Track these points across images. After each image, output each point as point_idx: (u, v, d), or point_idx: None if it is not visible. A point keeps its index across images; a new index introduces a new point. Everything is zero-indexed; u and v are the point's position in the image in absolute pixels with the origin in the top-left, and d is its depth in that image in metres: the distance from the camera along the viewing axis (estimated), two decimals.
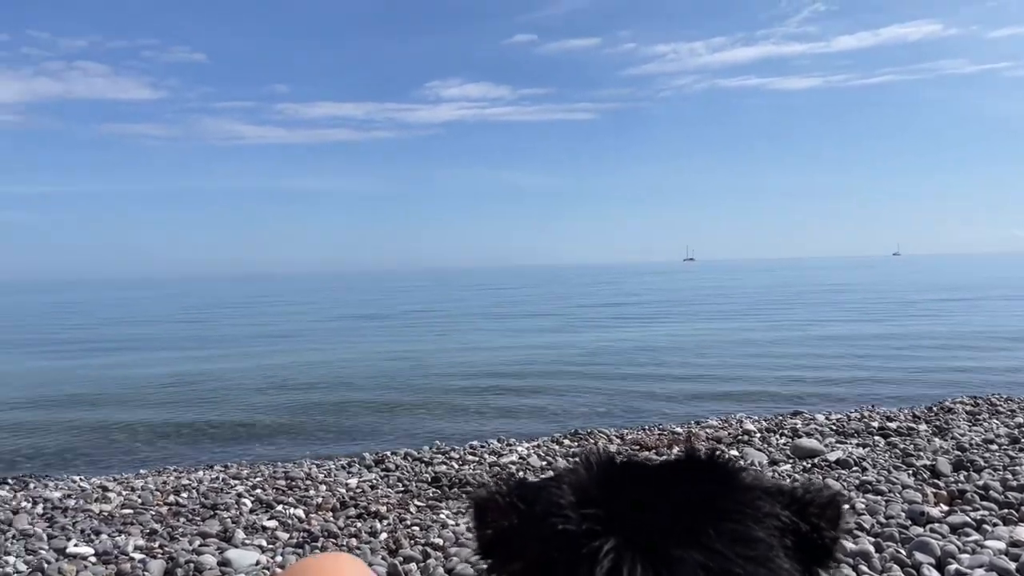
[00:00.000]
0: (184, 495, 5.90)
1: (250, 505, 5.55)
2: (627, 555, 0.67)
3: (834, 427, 7.76)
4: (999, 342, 17.20)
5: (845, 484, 5.28)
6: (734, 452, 6.70)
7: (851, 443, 6.95)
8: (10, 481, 6.94)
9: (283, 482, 6.26)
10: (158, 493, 6.00)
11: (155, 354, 19.97)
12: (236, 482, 6.37)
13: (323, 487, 6.04)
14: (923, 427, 7.51)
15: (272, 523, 5.03)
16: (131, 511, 5.43)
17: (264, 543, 4.63)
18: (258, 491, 5.95)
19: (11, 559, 4.30)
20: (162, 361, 18.16)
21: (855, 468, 5.86)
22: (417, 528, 4.82)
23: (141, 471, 7.50)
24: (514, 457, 6.86)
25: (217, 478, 6.62)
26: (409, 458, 7.07)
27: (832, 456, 6.23)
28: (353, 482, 6.14)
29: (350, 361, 16.91)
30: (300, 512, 5.29)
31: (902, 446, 6.59)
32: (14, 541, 4.70)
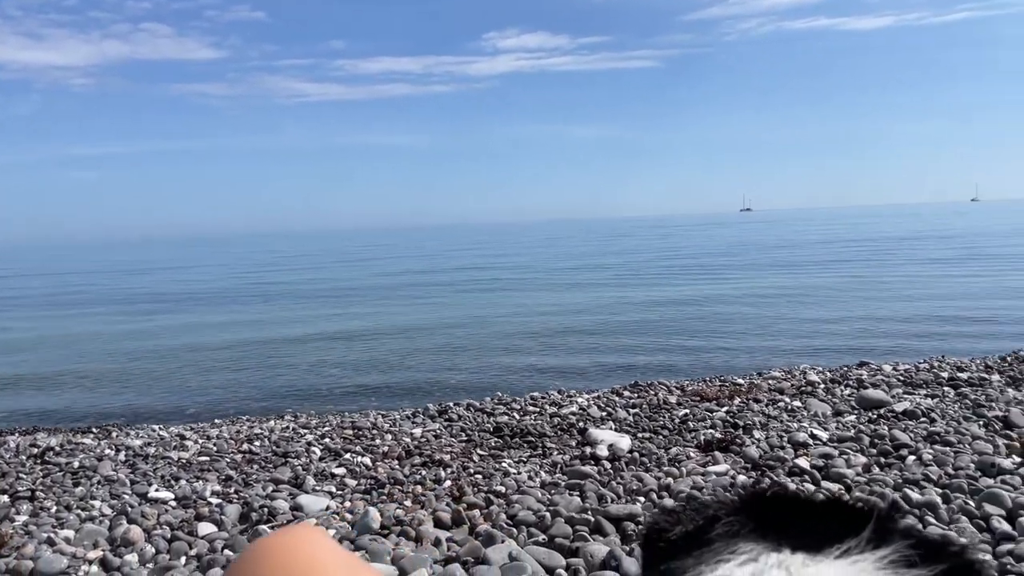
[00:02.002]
0: (257, 443, 6.14)
1: (319, 453, 5.75)
2: None
3: (901, 378, 7.58)
4: None
5: (912, 435, 5.18)
6: (797, 403, 6.63)
7: (919, 394, 6.79)
8: (94, 430, 7.32)
9: (350, 431, 6.45)
10: (232, 441, 6.26)
11: (225, 310, 20.61)
12: (305, 431, 6.59)
13: (388, 436, 6.20)
14: (996, 377, 7.28)
15: (341, 470, 5.21)
16: (207, 458, 5.68)
17: (333, 489, 4.81)
18: (327, 440, 6.16)
19: (96, 503, 4.56)
20: (236, 319, 18.75)
21: (923, 419, 5.74)
22: (480, 476, 4.93)
23: (216, 420, 7.83)
24: (574, 408, 6.92)
25: (287, 427, 6.86)
26: (472, 409, 7.20)
27: (899, 407, 6.10)
28: (418, 431, 6.30)
29: (417, 318, 17.18)
30: (367, 460, 5.45)
31: (973, 397, 6.41)
32: (99, 486, 4.98)
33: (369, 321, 16.27)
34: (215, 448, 6.05)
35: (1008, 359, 8.49)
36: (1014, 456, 4.65)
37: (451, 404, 7.41)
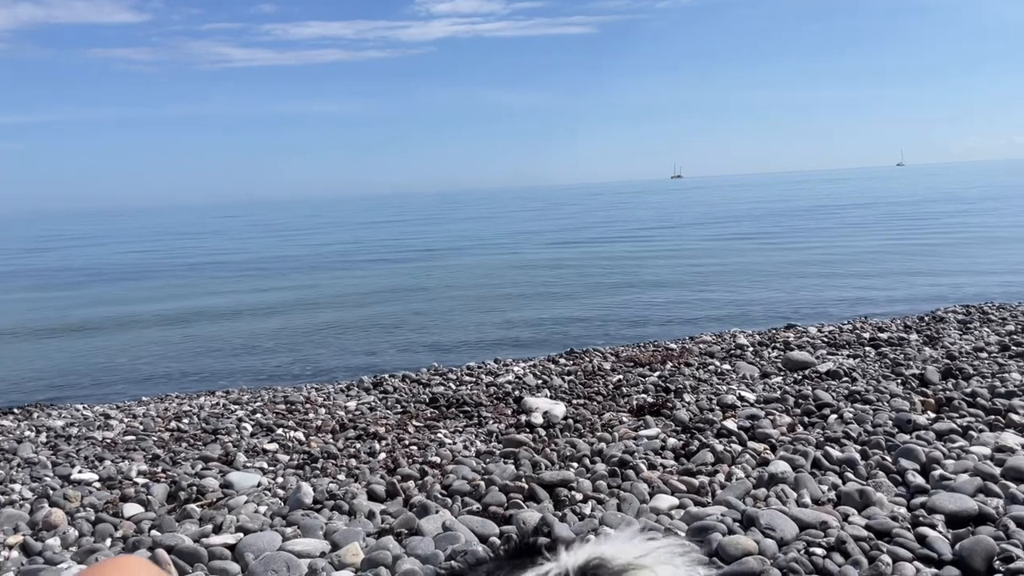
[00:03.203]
0: (185, 421, 6.00)
1: (251, 429, 5.65)
2: None
3: (826, 339, 7.84)
4: (991, 247, 17.23)
5: (834, 395, 5.36)
6: (726, 366, 6.79)
7: (842, 354, 7.03)
8: (15, 411, 7.04)
9: (283, 406, 6.35)
10: (160, 420, 6.10)
11: (150, 283, 20.02)
12: (236, 407, 6.47)
13: (322, 410, 6.13)
14: (914, 337, 7.59)
15: (273, 446, 5.13)
16: (133, 437, 5.53)
17: (265, 465, 4.74)
18: (258, 416, 6.05)
19: (16, 486, 4.39)
20: (160, 289, 18.23)
21: (845, 379, 5.94)
22: (415, 448, 4.92)
23: (143, 398, 7.62)
24: (510, 377, 6.95)
25: (218, 404, 6.72)
26: (407, 380, 7.16)
27: (823, 367, 6.31)
28: (352, 404, 6.24)
29: (349, 290, 16.97)
30: (300, 435, 5.39)
31: (892, 356, 6.67)
32: (19, 469, 4.79)
33: (301, 294, 16.01)
34: (141, 427, 5.89)
35: (926, 319, 8.85)
36: (929, 412, 4.86)
37: (386, 376, 7.36)
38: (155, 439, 5.47)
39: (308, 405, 6.35)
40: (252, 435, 5.51)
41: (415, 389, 6.73)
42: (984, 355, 6.43)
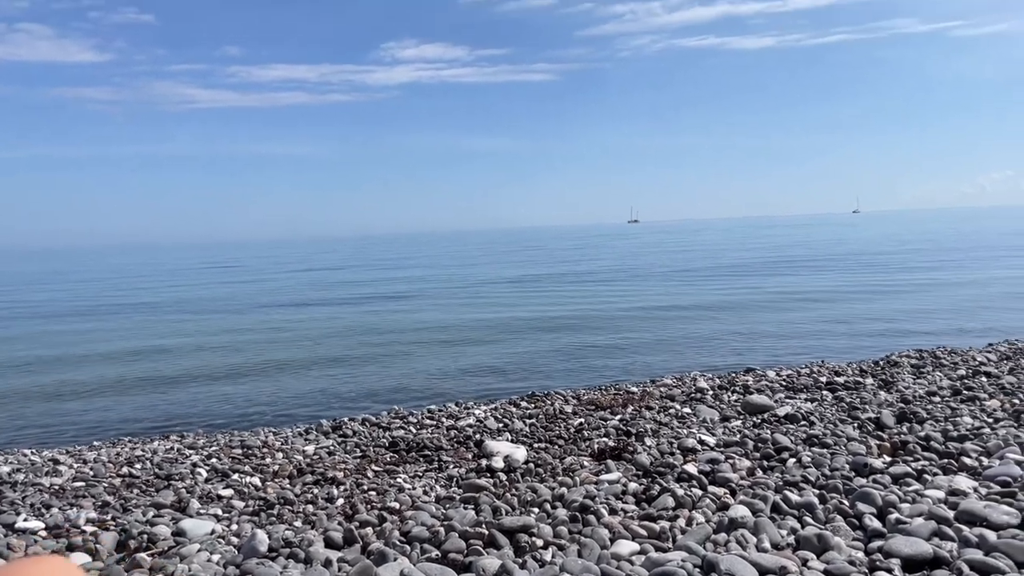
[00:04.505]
0: (138, 466, 5.84)
1: (205, 474, 5.52)
2: None
3: (784, 383, 7.93)
4: (946, 296, 17.68)
5: (793, 438, 5.41)
6: (687, 409, 6.83)
7: (800, 398, 7.12)
8: None
9: (239, 451, 6.23)
10: (111, 465, 5.93)
11: (105, 323, 19.61)
12: (191, 452, 6.32)
13: (280, 454, 6.02)
14: (869, 381, 7.71)
15: (228, 492, 5.01)
16: (83, 484, 5.36)
17: (220, 512, 4.62)
18: (214, 460, 5.92)
19: None
20: (114, 330, 17.84)
21: (803, 422, 6.01)
22: (374, 493, 4.84)
23: (94, 443, 7.41)
24: (471, 420, 6.90)
25: (172, 448, 6.56)
26: (367, 424, 7.08)
27: (781, 411, 6.38)
28: (310, 449, 6.14)
29: (311, 332, 16.79)
30: (256, 480, 5.27)
31: (849, 400, 6.77)
32: None
33: (262, 335, 15.79)
34: (92, 472, 5.72)
35: (881, 363, 9.01)
36: (884, 456, 4.93)
37: (346, 419, 7.27)
38: (105, 485, 5.32)
39: (265, 449, 6.23)
40: (207, 480, 5.39)
41: (375, 433, 6.65)
42: (937, 399, 6.56)
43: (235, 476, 5.40)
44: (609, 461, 5.24)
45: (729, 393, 7.58)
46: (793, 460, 4.90)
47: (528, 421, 6.80)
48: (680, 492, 4.31)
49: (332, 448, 6.16)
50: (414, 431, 6.62)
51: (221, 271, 49.03)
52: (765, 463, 4.93)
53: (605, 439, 5.91)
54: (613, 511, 4.16)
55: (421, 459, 5.70)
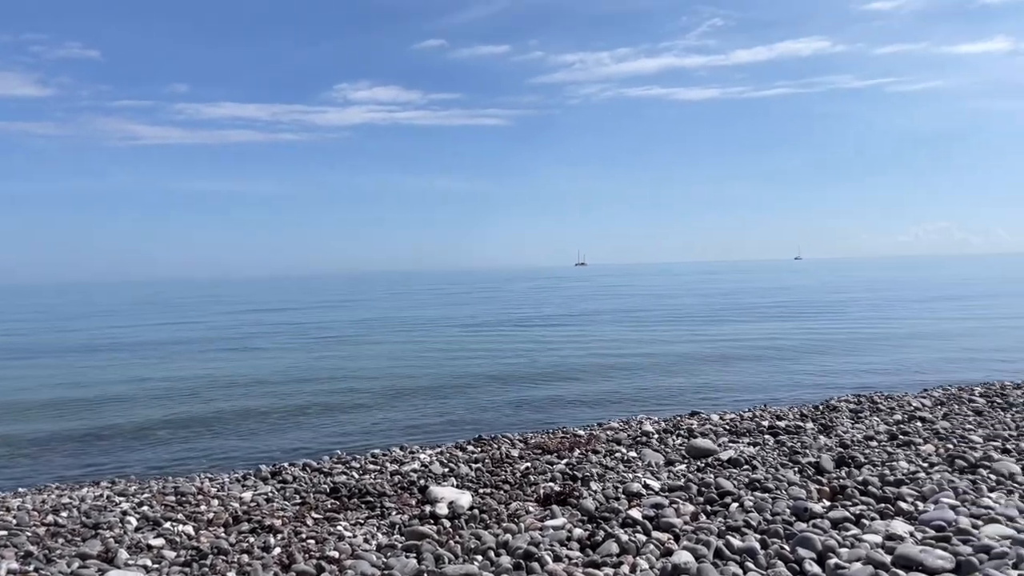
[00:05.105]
0: (64, 514, 5.58)
1: (135, 523, 5.30)
2: None
3: (728, 427, 8.01)
4: (883, 342, 18.17)
5: (736, 483, 5.45)
6: (632, 453, 6.83)
7: (743, 442, 7.19)
8: None
9: (173, 498, 6.00)
10: (35, 513, 5.66)
11: (33, 366, 18.90)
12: (122, 499, 6.07)
13: (215, 501, 5.82)
14: (810, 425, 7.84)
15: (159, 541, 4.81)
16: (5, 533, 5.09)
17: (149, 563, 4.43)
18: (145, 508, 5.69)
19: None
20: (44, 372, 17.20)
21: (746, 467, 6.06)
22: (313, 541, 4.70)
23: (20, 489, 7.07)
24: (416, 465, 6.79)
25: (101, 495, 6.30)
26: (308, 469, 6.90)
27: (724, 455, 6.43)
28: (247, 495, 5.95)
29: (252, 373, 16.43)
30: (189, 529, 5.08)
31: (790, 444, 6.86)
32: None
33: (199, 378, 15.38)
34: (15, 521, 5.44)
35: (820, 407, 9.18)
36: (824, 500, 4.99)
37: (286, 464, 7.08)
38: (29, 534, 5.06)
39: (200, 496, 6.02)
40: (137, 529, 5.17)
41: (316, 479, 6.49)
42: (874, 443, 6.70)
43: (167, 524, 5.19)
44: (555, 506, 5.19)
45: (674, 437, 7.62)
46: (736, 505, 4.92)
47: (474, 466, 6.72)
48: (624, 538, 4.29)
49: (270, 495, 5.98)
50: (357, 477, 6.48)
51: (161, 310, 47.78)
52: (708, 508, 4.95)
53: (551, 484, 5.87)
54: (558, 558, 4.11)
55: (363, 506, 5.57)
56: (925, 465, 5.74)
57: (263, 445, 9.09)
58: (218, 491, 6.21)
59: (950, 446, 6.37)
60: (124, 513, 5.54)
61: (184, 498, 5.96)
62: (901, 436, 6.90)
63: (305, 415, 10.86)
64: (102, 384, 14.68)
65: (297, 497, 5.87)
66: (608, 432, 8.11)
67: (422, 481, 6.13)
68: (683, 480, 5.69)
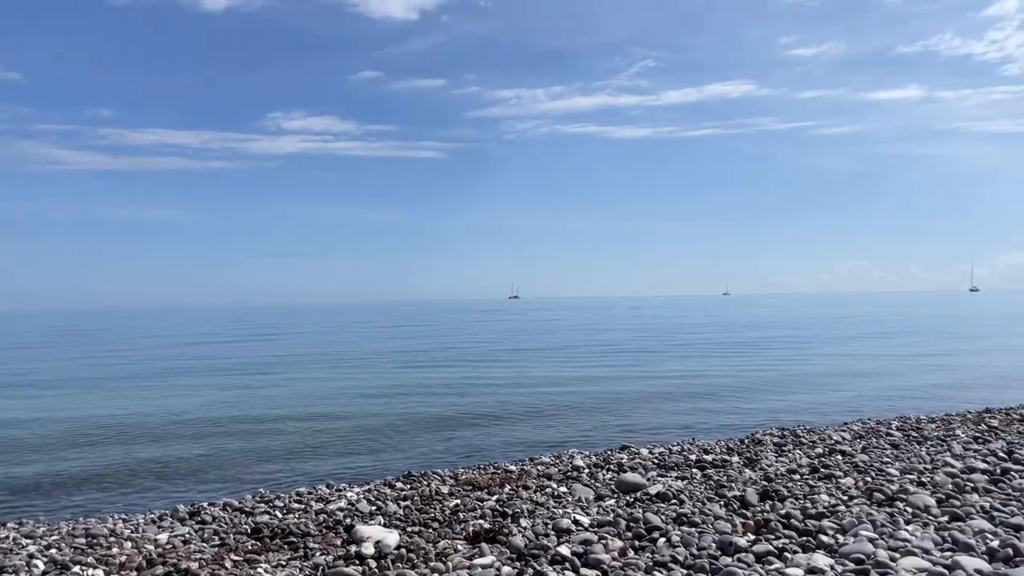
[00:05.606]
0: None
1: (43, 567, 5.02)
2: None
3: (656, 460, 8.09)
4: (806, 378, 18.71)
5: (663, 517, 5.49)
6: (563, 488, 6.82)
7: (671, 476, 7.27)
8: None
9: (83, 540, 5.72)
10: None
11: None
12: (28, 541, 5.76)
13: (128, 544, 5.57)
14: (736, 459, 7.98)
15: None
16: None
17: None
18: (53, 551, 5.40)
19: None
20: None
21: (673, 501, 6.12)
22: None
23: None
24: (343, 503, 6.64)
25: (7, 537, 5.96)
26: (228, 508, 6.67)
27: (653, 490, 6.48)
28: (163, 537, 5.71)
29: (170, 405, 15.88)
30: (100, 573, 4.84)
31: (716, 477, 6.96)
32: None
33: (118, 412, 14.79)
34: None
35: (746, 441, 9.36)
36: (749, 534, 5.06)
37: (205, 504, 6.83)
38: None
39: (113, 538, 5.75)
40: (44, 574, 4.91)
41: (236, 518, 6.27)
42: (797, 477, 6.85)
43: (76, 568, 4.94)
44: (484, 544, 5.13)
45: (604, 471, 7.65)
46: (663, 540, 4.96)
47: (403, 503, 6.61)
48: (553, 575, 4.26)
49: (188, 536, 5.75)
50: (280, 516, 6.30)
51: (80, 339, 45.95)
52: (637, 543, 4.97)
53: (481, 521, 5.81)
54: None
55: (286, 546, 5.40)
56: (845, 498, 5.89)
57: (181, 483, 8.76)
58: (132, 532, 5.94)
59: (868, 479, 6.56)
60: (31, 556, 5.25)
61: (95, 540, 5.69)
62: (822, 469, 7.08)
63: (229, 453, 10.52)
64: (15, 418, 13.98)
65: (216, 538, 5.66)
66: (539, 467, 8.09)
67: (348, 520, 5.99)
68: (612, 515, 5.71)
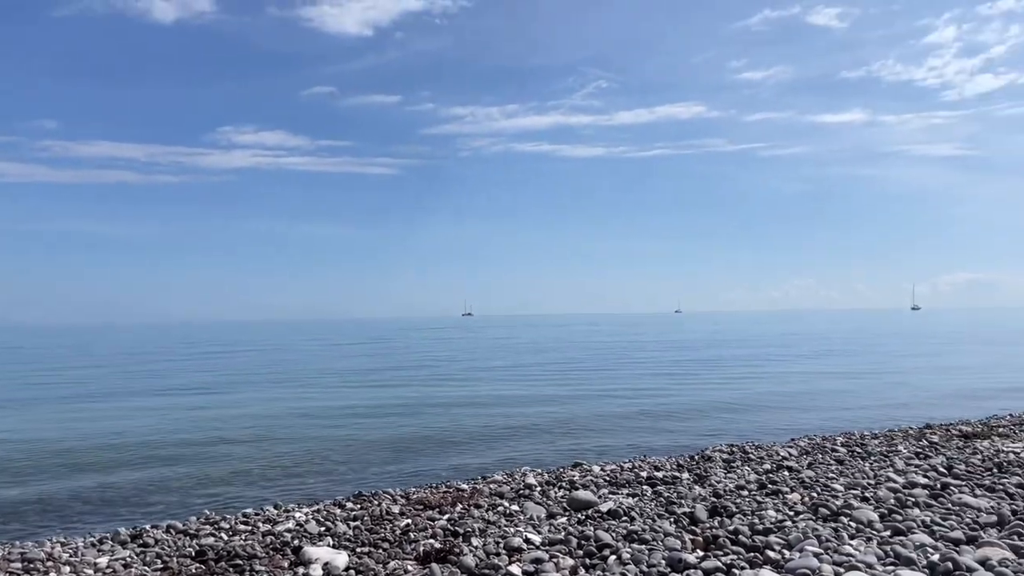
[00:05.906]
0: None
1: None
2: None
3: (608, 478, 8.13)
4: (755, 388, 19.03)
5: (614, 535, 5.51)
6: (515, 507, 6.81)
7: (622, 493, 7.31)
8: None
9: (19, 565, 5.51)
10: None
11: None
12: None
13: (67, 568, 5.38)
14: (686, 475, 8.06)
15: None
16: None
17: None
18: None
19: None
20: None
21: (624, 518, 6.15)
22: None
23: None
24: (291, 524, 6.52)
25: None
26: (172, 531, 6.50)
27: (604, 507, 6.50)
28: (103, 561, 5.54)
29: (110, 423, 15.45)
30: None
31: (666, 494, 7.02)
32: None
33: (53, 431, 14.33)
34: None
35: (696, 457, 9.46)
36: (698, 550, 5.11)
37: (147, 527, 6.66)
38: None
39: (50, 563, 5.56)
40: None
41: (180, 541, 6.11)
42: (745, 493, 6.95)
43: None
44: (434, 565, 5.09)
45: (556, 489, 7.65)
46: (614, 557, 4.97)
47: (352, 524, 6.52)
48: None
49: (129, 559, 5.59)
50: (225, 538, 6.15)
51: (19, 357, 44.45)
52: (588, 561, 4.98)
53: (432, 540, 5.76)
54: None
55: (231, 569, 5.28)
56: (791, 513, 5.99)
57: (124, 509, 8.50)
58: (70, 557, 5.75)
59: (814, 495, 6.68)
60: None
61: (32, 565, 5.49)
62: (770, 485, 7.19)
63: (174, 476, 10.26)
64: None
65: (159, 561, 5.51)
66: (492, 485, 8.06)
67: (296, 541, 5.89)
68: (563, 533, 5.71)
